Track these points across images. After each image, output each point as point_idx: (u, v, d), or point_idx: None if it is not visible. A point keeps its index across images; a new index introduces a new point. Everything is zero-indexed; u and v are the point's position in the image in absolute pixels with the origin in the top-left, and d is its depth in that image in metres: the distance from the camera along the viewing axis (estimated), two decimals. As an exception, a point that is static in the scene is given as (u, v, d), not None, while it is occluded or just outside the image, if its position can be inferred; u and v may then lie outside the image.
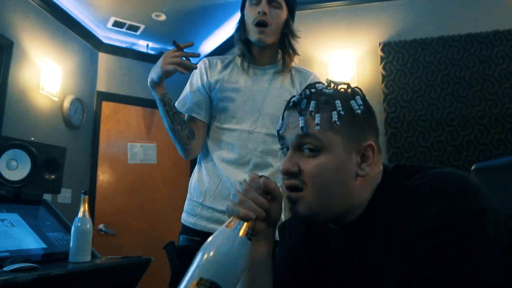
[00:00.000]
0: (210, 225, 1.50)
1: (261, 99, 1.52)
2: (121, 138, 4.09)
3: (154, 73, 1.41)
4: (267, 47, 1.55)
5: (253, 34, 1.50)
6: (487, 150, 2.79)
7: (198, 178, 1.57)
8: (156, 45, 4.31)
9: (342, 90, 0.77)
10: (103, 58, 4.11)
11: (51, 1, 3.36)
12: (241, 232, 0.66)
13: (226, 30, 3.94)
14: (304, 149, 0.74)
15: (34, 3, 3.23)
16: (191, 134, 1.52)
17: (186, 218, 1.56)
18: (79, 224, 1.62)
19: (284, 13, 1.53)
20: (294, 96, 0.80)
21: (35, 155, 1.98)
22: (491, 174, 0.85)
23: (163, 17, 3.75)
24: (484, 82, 2.85)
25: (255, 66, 1.58)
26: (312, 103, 0.74)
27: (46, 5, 3.33)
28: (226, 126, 1.53)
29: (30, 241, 1.62)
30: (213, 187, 1.51)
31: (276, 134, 0.81)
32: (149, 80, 1.43)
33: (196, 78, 1.60)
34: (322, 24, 3.31)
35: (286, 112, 0.79)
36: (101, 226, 3.83)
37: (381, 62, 3.07)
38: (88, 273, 1.44)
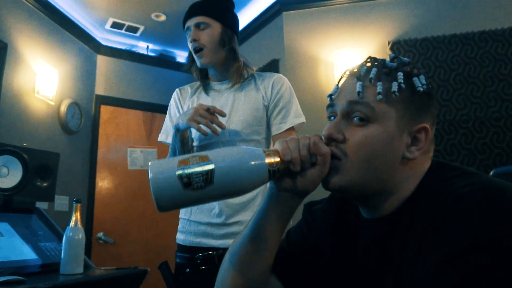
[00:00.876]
0: (197, 239, 1.56)
1: (228, 109, 1.61)
2: (121, 143, 4.09)
3: (181, 121, 1.48)
4: (216, 65, 1.66)
5: (196, 61, 1.64)
6: (504, 154, 2.73)
7: None
8: (156, 47, 4.31)
9: (407, 67, 0.75)
10: (101, 61, 4.12)
11: (46, 1, 3.36)
12: (268, 159, 0.66)
13: None
14: (353, 117, 0.72)
15: (29, 4, 3.23)
16: None
17: (178, 236, 1.66)
18: (71, 233, 1.59)
19: (216, 30, 1.62)
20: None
21: (26, 162, 1.96)
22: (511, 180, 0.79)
23: (163, 18, 3.75)
24: (499, 82, 2.81)
25: (215, 85, 1.69)
26: (373, 70, 0.74)
27: (41, 5, 3.33)
28: (204, 143, 1.62)
29: (21, 252, 1.60)
30: None
31: (329, 99, 0.79)
32: (175, 123, 1.52)
33: (172, 110, 1.74)
34: (327, 23, 3.30)
35: (342, 80, 0.79)
36: (100, 234, 3.82)
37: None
38: (78, 286, 1.40)
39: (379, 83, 0.72)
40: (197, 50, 1.61)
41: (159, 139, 1.73)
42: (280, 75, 1.68)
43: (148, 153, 4.13)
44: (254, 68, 1.72)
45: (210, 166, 0.61)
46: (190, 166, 0.61)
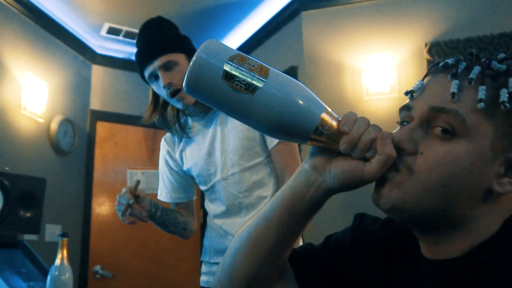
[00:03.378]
0: (211, 279, 1.68)
1: (218, 142, 1.69)
2: (119, 164, 4.10)
3: None
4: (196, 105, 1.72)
5: (177, 104, 1.67)
6: None
7: (205, 236, 1.82)
8: None
9: None
10: (97, 71, 4.12)
11: (34, 6, 3.36)
12: (324, 115, 0.65)
13: (240, 32, 3.94)
14: (435, 126, 0.66)
15: (13, 8, 3.22)
16: (184, 225, 1.82)
17: (201, 279, 1.80)
18: (56, 273, 1.59)
19: (184, 63, 1.65)
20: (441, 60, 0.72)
21: (7, 189, 1.99)
22: None
23: None
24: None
25: (197, 122, 1.77)
26: (476, 68, 0.67)
27: (27, 10, 3.33)
28: (208, 186, 1.74)
29: (-1, 294, 1.61)
30: (214, 242, 1.75)
31: (409, 96, 0.73)
32: None
33: (162, 165, 1.87)
34: (353, 23, 3.28)
35: (429, 77, 0.73)
36: (97, 268, 3.80)
37: (428, 67, 2.96)
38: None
39: (482, 86, 0.65)
40: (175, 92, 1.62)
41: (157, 198, 1.88)
42: None
43: (151, 175, 4.06)
44: None
45: (258, 84, 0.63)
46: (241, 68, 0.63)
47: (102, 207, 3.99)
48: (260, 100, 0.63)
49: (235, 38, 4.03)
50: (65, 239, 1.64)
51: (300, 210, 0.72)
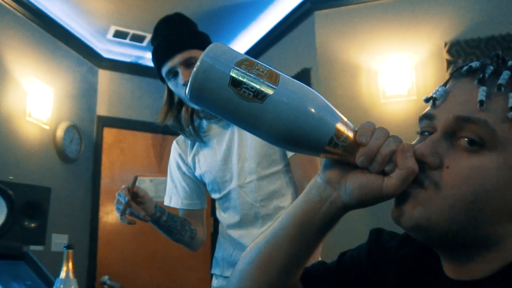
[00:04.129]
0: None
1: (235, 148, 1.66)
2: (127, 171, 4.12)
3: None
4: None
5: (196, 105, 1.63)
6: None
7: (217, 248, 1.78)
8: None
9: None
10: (103, 76, 4.13)
11: (38, 10, 3.38)
12: (340, 126, 0.62)
13: (250, 34, 3.93)
14: (460, 138, 0.64)
15: (17, 12, 3.24)
16: (192, 234, 1.76)
17: None
18: (61, 287, 1.54)
19: None
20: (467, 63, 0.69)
21: (12, 199, 1.99)
22: None
23: None
24: None
25: (213, 125, 1.74)
26: (506, 73, 0.63)
27: (32, 14, 3.35)
28: (221, 194, 1.71)
29: (2, 309, 1.64)
30: (227, 255, 1.71)
31: (430, 101, 0.69)
32: None
33: (173, 168, 1.82)
34: (369, 23, 3.25)
35: (451, 82, 0.70)
36: (104, 278, 3.79)
37: (448, 68, 2.98)
38: None
39: None
40: None
41: (164, 203, 1.83)
42: None
43: (159, 182, 4.06)
44: None
45: (268, 91, 0.60)
46: (249, 74, 0.61)
47: (109, 216, 4.00)
48: (270, 108, 0.60)
49: (245, 40, 4.02)
50: (70, 251, 1.61)
51: (313, 228, 0.69)
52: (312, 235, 0.70)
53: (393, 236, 0.82)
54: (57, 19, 3.55)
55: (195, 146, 1.76)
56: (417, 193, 0.64)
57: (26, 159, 3.18)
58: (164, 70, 1.63)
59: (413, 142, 0.68)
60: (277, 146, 0.66)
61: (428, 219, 0.63)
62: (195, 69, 0.60)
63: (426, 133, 0.68)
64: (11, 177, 2.47)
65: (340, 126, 0.62)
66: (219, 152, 1.69)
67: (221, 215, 1.77)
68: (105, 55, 4.11)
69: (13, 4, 3.15)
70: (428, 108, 0.69)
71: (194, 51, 1.59)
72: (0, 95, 3.00)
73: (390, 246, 0.80)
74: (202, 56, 0.61)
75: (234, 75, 0.60)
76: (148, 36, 3.93)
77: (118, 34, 3.89)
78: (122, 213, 1.56)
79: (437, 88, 0.69)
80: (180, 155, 1.80)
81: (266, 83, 0.61)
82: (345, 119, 0.63)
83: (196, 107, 1.66)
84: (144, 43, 4.06)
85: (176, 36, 1.62)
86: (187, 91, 0.62)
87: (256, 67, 0.62)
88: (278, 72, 0.63)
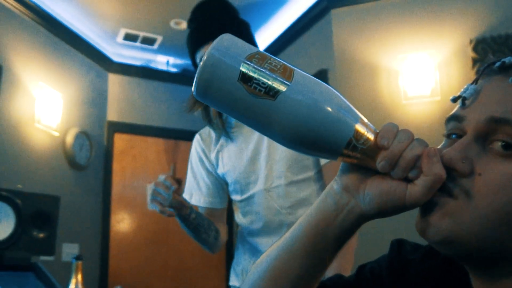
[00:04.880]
0: None
1: (265, 148, 1.61)
2: (139, 178, 4.14)
3: None
4: None
5: None
6: None
7: (235, 258, 1.73)
8: (178, 61, 4.32)
9: None
10: (113, 80, 4.16)
11: (46, 13, 3.40)
12: (359, 127, 0.59)
13: (265, 34, 3.94)
14: (494, 141, 0.61)
15: (26, 16, 3.27)
16: (216, 234, 1.68)
17: None
18: None
19: None
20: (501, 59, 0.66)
21: (20, 209, 2.00)
22: None
23: (184, 25, 3.74)
24: None
25: None
26: None
27: (40, 18, 3.37)
28: (244, 196, 1.65)
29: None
30: (247, 264, 1.66)
31: (458, 101, 0.67)
32: None
33: (196, 163, 1.76)
34: (389, 21, 3.22)
35: (481, 79, 0.67)
36: (116, 288, 3.85)
37: (473, 66, 2.95)
38: None
39: None
40: None
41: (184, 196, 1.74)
42: None
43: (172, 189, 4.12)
44: None
45: (280, 87, 0.58)
46: (260, 69, 0.58)
47: (121, 224, 4.01)
48: (282, 106, 0.58)
49: (260, 40, 3.98)
50: (80, 262, 1.64)
51: (328, 239, 0.66)
52: (327, 247, 0.67)
53: (417, 248, 0.79)
54: (66, 23, 3.58)
55: (220, 142, 1.71)
56: (445, 203, 0.61)
57: (35, 167, 3.19)
58: (198, 55, 1.60)
59: (439, 146, 0.65)
60: (290, 148, 0.63)
61: (457, 232, 0.61)
62: (201, 63, 0.58)
63: (454, 136, 0.66)
64: (19, 186, 2.49)
65: (359, 127, 0.59)
66: (246, 151, 1.64)
67: (240, 219, 1.70)
68: (115, 58, 4.14)
69: (21, 7, 3.18)
70: (456, 109, 0.67)
71: None
72: (8, 101, 3.01)
73: (414, 259, 0.78)
74: (209, 49, 0.58)
75: (244, 69, 0.58)
76: (159, 39, 3.96)
77: (128, 37, 3.91)
78: (164, 205, 1.47)
79: (466, 86, 0.66)
80: (203, 150, 1.74)
81: (279, 78, 0.58)
82: (365, 120, 0.61)
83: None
84: (155, 46, 4.07)
85: (214, 22, 1.59)
86: (193, 87, 0.60)
87: (269, 61, 0.59)
88: (292, 67, 0.61)
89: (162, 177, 1.48)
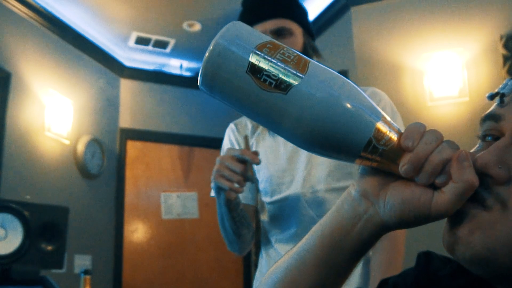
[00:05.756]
0: None
1: (305, 153, 1.54)
2: (152, 186, 4.14)
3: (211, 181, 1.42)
4: None
5: None
6: None
7: (259, 267, 1.63)
8: (191, 64, 4.33)
9: None
10: (126, 86, 4.17)
11: (55, 18, 3.43)
12: (381, 125, 0.56)
13: None
14: None
15: (36, 22, 3.29)
16: (252, 233, 1.59)
17: None
18: None
19: (299, 39, 1.55)
20: None
21: (27, 220, 2.00)
22: None
23: (197, 27, 3.76)
24: None
25: None
26: None
27: (50, 23, 3.40)
28: (275, 198, 1.54)
29: None
30: None
31: (495, 98, 0.64)
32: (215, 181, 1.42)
33: None
34: (412, 18, 3.21)
35: None
36: (131, 302, 3.87)
37: (504, 64, 2.91)
38: None
39: None
40: None
41: (211, 195, 1.61)
42: (375, 89, 1.56)
43: (186, 197, 4.15)
44: None
45: (293, 80, 0.55)
46: (271, 60, 0.55)
47: (134, 235, 4.02)
48: (294, 101, 0.55)
49: None
50: (88, 277, 1.71)
51: (344, 250, 0.63)
52: (343, 259, 0.64)
53: (446, 262, 0.75)
54: (75, 27, 3.61)
55: (255, 135, 1.64)
56: (477, 214, 0.57)
57: (45, 177, 3.21)
58: None
59: (473, 150, 0.62)
60: (302, 148, 0.60)
61: (491, 249, 0.57)
62: (207, 53, 0.56)
63: (489, 138, 0.63)
64: (28, 197, 2.49)
65: (381, 125, 0.56)
66: (284, 149, 1.57)
67: (267, 223, 1.62)
68: (127, 63, 4.16)
69: (29, 12, 3.21)
70: (493, 107, 0.63)
71: (289, 22, 1.50)
72: (17, 109, 3.03)
73: (443, 275, 0.74)
74: (216, 37, 0.56)
75: (253, 60, 0.56)
76: (172, 42, 3.96)
77: (140, 41, 3.93)
78: (236, 186, 1.36)
79: (505, 81, 0.63)
80: (237, 141, 1.65)
81: (292, 70, 0.55)
82: (388, 118, 0.57)
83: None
84: (168, 49, 4.08)
85: (273, 0, 1.55)
86: (198, 79, 0.58)
87: (281, 52, 0.56)
88: (308, 58, 0.58)
89: (236, 152, 1.36)
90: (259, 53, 0.56)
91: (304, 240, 0.68)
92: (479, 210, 0.58)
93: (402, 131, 0.57)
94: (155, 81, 4.24)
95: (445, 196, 0.55)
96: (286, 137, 0.59)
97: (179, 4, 3.51)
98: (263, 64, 0.55)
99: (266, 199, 1.59)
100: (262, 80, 0.55)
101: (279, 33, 1.48)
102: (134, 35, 3.84)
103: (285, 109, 0.56)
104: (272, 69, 0.55)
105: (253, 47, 0.56)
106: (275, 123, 0.58)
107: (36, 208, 2.10)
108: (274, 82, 0.55)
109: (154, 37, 3.88)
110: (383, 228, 0.61)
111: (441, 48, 3.05)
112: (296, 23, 1.52)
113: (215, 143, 4.14)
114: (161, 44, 3.98)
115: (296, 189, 1.50)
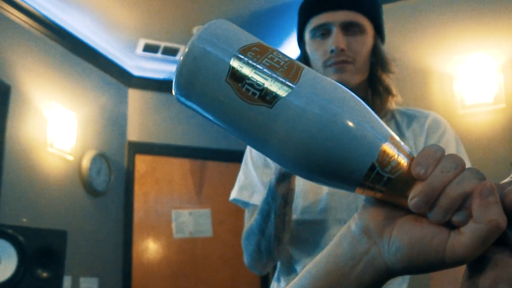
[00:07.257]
0: None
1: None
2: (163, 203, 4.17)
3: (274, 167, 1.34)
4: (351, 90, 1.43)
5: (329, 76, 1.38)
6: None
7: None
8: None
9: None
10: (134, 96, 4.20)
11: (57, 26, 3.43)
12: (387, 147, 0.50)
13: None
14: None
15: (36, 30, 3.30)
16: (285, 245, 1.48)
17: None
18: None
19: (369, 38, 1.42)
20: None
21: (22, 246, 2.01)
22: None
23: None
24: None
25: None
26: None
27: (52, 31, 3.41)
28: (307, 217, 1.40)
29: None
30: None
31: None
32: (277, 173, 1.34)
33: (256, 157, 1.53)
34: (441, 18, 3.17)
35: None
36: (141, 327, 3.92)
37: None
38: None
39: None
40: (343, 62, 1.38)
41: (231, 198, 1.53)
42: (436, 115, 1.48)
43: (199, 215, 4.17)
44: (393, 100, 1.53)
45: (281, 91, 0.50)
46: (256, 66, 0.51)
47: (144, 255, 4.02)
48: (281, 116, 0.50)
49: (292, 45, 3.99)
50: None
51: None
52: None
53: None
54: (79, 35, 3.62)
55: None
56: (504, 261, 0.53)
57: (48, 196, 3.20)
58: (313, 23, 1.43)
59: (506, 180, 0.54)
60: (292, 173, 0.52)
61: None
62: (181, 56, 0.52)
63: None
64: (24, 220, 2.47)
65: (388, 147, 0.51)
66: None
67: (294, 249, 1.48)
68: (135, 72, 4.18)
69: (28, 20, 3.22)
70: None
71: (360, 17, 1.39)
72: (17, 123, 3.02)
73: None
74: (192, 38, 0.52)
75: (235, 65, 0.51)
76: (182, 48, 3.96)
77: (148, 48, 3.95)
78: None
79: None
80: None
81: (280, 79, 0.50)
82: (397, 138, 0.52)
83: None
84: (178, 57, 4.09)
85: None
86: (173, 85, 0.54)
87: (269, 56, 0.52)
88: (302, 65, 0.53)
89: None
90: (242, 57, 0.51)
91: (296, 280, 0.62)
92: (506, 256, 0.52)
93: (414, 155, 0.52)
94: (165, 91, 4.24)
95: (463, 238, 0.50)
96: (273, 158, 0.54)
97: (188, 8, 3.52)
98: (246, 71, 0.50)
99: (295, 215, 1.46)
100: (244, 89, 0.50)
101: (346, 27, 1.38)
102: (142, 42, 3.85)
103: (270, 126, 0.50)
104: (256, 77, 0.50)
105: (235, 50, 0.51)
106: (259, 141, 0.53)
107: (33, 232, 2.10)
108: (258, 93, 0.50)
109: (163, 44, 3.90)
110: (386, 274, 0.55)
111: (474, 50, 3.01)
112: (369, 20, 1.42)
113: (229, 156, 4.17)
114: (171, 51, 4.00)
115: (340, 213, 1.39)
